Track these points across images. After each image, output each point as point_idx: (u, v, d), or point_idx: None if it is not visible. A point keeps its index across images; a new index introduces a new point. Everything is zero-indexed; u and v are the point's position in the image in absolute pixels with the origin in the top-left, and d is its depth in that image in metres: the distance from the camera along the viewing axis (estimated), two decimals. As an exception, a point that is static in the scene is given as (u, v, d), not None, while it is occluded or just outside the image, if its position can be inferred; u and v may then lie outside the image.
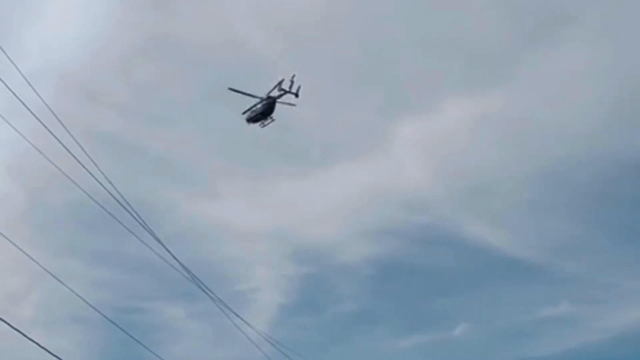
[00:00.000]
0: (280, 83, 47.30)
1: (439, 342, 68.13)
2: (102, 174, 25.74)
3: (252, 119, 48.48)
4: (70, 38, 62.28)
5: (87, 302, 26.21)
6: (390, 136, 71.35)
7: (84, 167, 24.82)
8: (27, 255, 23.29)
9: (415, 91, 70.36)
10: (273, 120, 47.73)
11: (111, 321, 28.15)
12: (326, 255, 70.32)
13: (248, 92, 47.32)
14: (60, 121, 23.78)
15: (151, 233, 28.73)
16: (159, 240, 29.30)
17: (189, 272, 31.95)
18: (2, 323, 20.54)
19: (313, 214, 70.51)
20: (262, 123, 48.49)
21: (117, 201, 26.60)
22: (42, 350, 21.99)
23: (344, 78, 69.93)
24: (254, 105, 48.60)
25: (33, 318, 56.25)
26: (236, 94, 46.87)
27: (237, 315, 37.82)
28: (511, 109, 69.19)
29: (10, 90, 22.39)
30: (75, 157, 24.48)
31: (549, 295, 68.02)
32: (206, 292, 33.69)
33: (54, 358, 22.50)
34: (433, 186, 71.88)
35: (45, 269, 23.94)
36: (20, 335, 21.06)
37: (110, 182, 26.18)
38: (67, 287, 24.85)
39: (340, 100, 70.48)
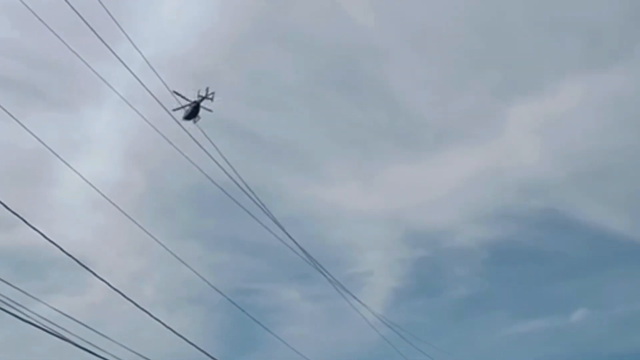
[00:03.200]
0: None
1: (556, 328, 66.57)
2: (224, 158, 26.22)
3: (185, 118, 54.98)
4: (183, 25, 63.34)
5: (209, 284, 26.70)
6: (506, 118, 69.99)
7: (206, 152, 25.44)
8: (153, 237, 23.86)
9: (531, 71, 68.67)
10: (200, 118, 54.04)
11: (233, 302, 28.62)
12: (440, 238, 69.69)
13: (187, 103, 53.09)
14: (182, 106, 24.33)
15: (270, 215, 29.10)
16: (277, 223, 29.61)
17: (306, 254, 32.25)
18: (128, 302, 21.10)
19: (426, 198, 69.86)
20: (194, 121, 54.95)
21: (238, 185, 27.07)
22: (166, 329, 22.50)
23: (458, 60, 69.04)
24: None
25: (155, 298, 58.00)
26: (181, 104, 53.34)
27: (355, 297, 38.02)
28: (633, 88, 66.59)
29: (136, 77, 23.07)
30: (197, 142, 25.08)
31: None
32: (324, 274, 33.99)
33: (178, 337, 23.01)
34: (550, 169, 70.07)
35: (169, 251, 24.50)
36: (145, 314, 21.59)
37: (231, 166, 26.64)
38: (191, 269, 25.37)
39: (454, 82, 69.69)
